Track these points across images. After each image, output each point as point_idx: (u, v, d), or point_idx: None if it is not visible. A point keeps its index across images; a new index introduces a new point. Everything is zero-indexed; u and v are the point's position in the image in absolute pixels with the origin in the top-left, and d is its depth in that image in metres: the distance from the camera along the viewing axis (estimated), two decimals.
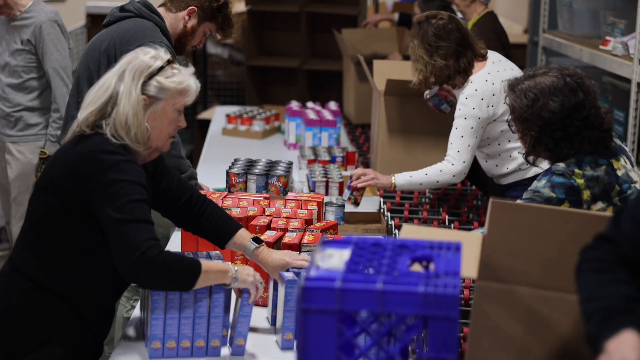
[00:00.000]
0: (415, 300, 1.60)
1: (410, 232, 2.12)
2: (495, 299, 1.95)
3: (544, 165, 2.88)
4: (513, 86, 2.79)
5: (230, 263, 2.54)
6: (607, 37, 4.68)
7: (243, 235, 2.73)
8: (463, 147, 3.58)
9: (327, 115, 4.93)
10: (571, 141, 2.71)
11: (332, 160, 4.36)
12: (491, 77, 3.61)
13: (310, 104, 5.37)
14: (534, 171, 3.61)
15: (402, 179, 3.62)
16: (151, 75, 2.46)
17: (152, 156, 2.55)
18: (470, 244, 1.97)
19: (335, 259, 1.73)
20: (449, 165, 3.59)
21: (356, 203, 3.68)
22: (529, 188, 2.77)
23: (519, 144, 3.50)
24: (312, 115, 4.90)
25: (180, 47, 3.64)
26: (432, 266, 1.73)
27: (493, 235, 1.97)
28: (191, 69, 2.56)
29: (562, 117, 2.69)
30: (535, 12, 6.06)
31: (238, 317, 2.49)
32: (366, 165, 4.63)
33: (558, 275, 1.91)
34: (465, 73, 3.61)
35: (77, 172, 2.41)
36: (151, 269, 2.33)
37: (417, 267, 1.75)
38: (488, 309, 1.96)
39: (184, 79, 2.50)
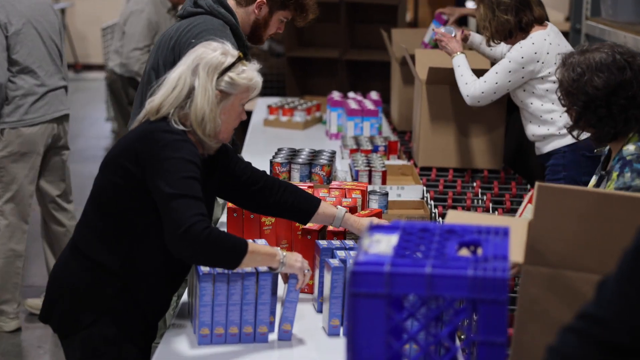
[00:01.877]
0: (464, 283, 1.61)
1: (457, 217, 2.13)
2: (542, 283, 1.96)
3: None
4: (565, 59, 2.82)
5: (278, 248, 2.57)
6: None
7: (328, 206, 2.83)
8: (490, 80, 3.90)
9: (369, 105, 4.93)
10: (615, 120, 2.70)
11: (375, 149, 4.37)
12: (550, 38, 3.84)
13: (351, 94, 5.37)
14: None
15: (456, 62, 4.07)
16: (224, 71, 2.54)
17: (215, 147, 2.62)
18: (516, 229, 1.98)
19: (384, 244, 1.74)
20: (470, 87, 3.96)
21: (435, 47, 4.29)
22: (615, 186, 2.68)
23: (560, 107, 3.62)
24: (353, 105, 4.91)
25: (257, 38, 3.63)
26: (480, 250, 1.74)
27: (539, 219, 1.97)
28: (256, 65, 2.64)
29: (606, 94, 2.69)
30: None
31: (285, 303, 2.52)
32: (408, 154, 4.63)
33: (605, 259, 1.90)
34: (525, 31, 3.86)
35: (135, 150, 2.49)
36: (196, 243, 2.37)
37: (465, 252, 1.76)
38: (535, 293, 1.96)
39: (253, 75, 2.59)
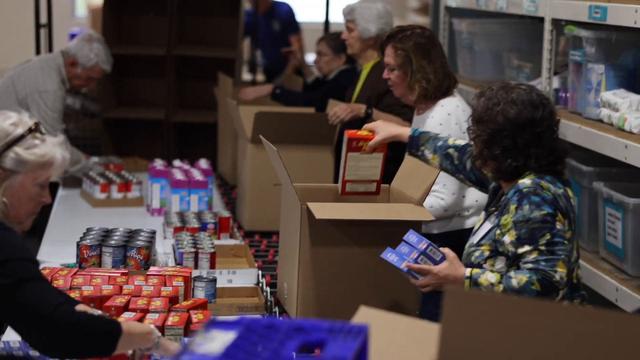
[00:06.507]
0: None
1: (368, 317, 2.09)
2: None
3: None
4: (484, 90, 3.12)
5: (152, 326, 2.56)
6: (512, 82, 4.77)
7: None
8: (448, 178, 3.67)
9: (197, 176, 4.86)
10: (517, 154, 3.00)
11: (203, 227, 4.30)
12: (462, 104, 3.94)
13: (177, 163, 5.30)
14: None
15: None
16: (8, 145, 2.46)
17: (23, 228, 2.57)
18: (426, 336, 2.01)
19: (217, 343, 1.72)
20: (439, 201, 3.83)
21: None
22: (513, 219, 2.92)
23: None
24: (179, 175, 4.84)
25: None
26: (318, 351, 1.71)
27: (450, 329, 1.94)
28: (59, 138, 2.56)
29: (514, 126, 3.00)
30: None
31: None
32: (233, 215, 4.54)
33: None
34: (443, 94, 3.93)
35: None
36: (65, 329, 2.31)
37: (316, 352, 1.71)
38: None
39: (48, 150, 2.50)
